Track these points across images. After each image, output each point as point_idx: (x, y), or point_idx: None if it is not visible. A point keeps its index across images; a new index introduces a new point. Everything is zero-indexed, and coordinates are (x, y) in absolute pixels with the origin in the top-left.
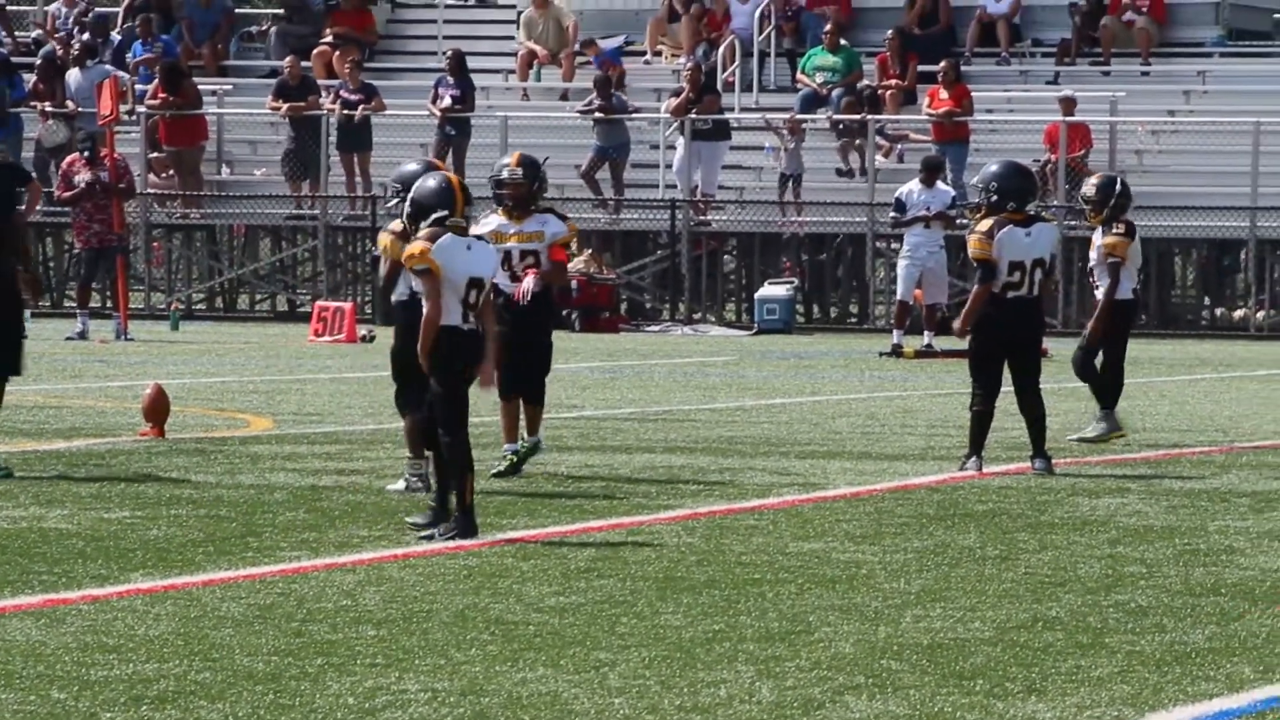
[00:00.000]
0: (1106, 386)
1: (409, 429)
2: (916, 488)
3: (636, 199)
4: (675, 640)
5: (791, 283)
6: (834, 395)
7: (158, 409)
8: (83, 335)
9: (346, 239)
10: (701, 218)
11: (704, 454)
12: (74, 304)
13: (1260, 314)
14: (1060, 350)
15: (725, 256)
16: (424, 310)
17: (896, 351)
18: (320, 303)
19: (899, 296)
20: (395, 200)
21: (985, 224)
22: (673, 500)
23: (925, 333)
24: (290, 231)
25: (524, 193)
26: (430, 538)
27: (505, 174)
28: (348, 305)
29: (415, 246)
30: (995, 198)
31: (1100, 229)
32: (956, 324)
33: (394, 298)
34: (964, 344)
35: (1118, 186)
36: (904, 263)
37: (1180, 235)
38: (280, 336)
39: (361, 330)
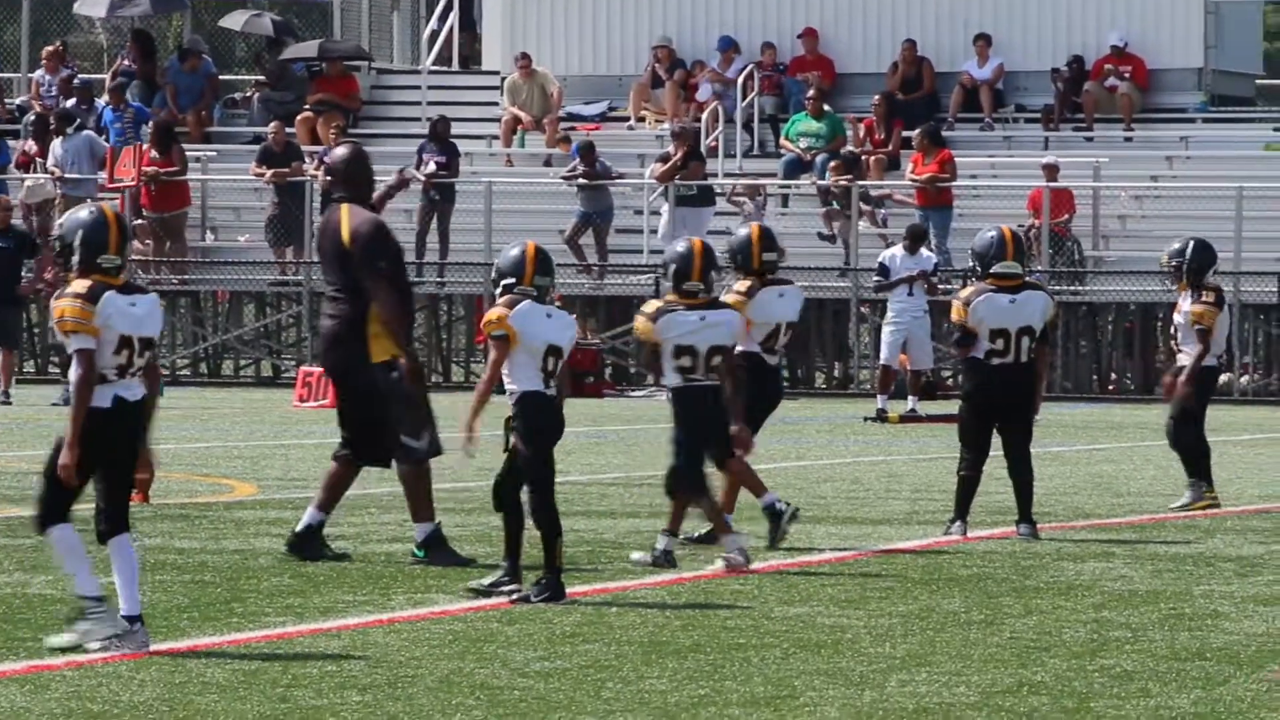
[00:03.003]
0: (1193, 456)
1: (677, 506)
2: (901, 552)
3: (621, 264)
4: (660, 705)
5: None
6: (819, 460)
7: (142, 474)
8: (67, 401)
9: None
10: None
11: (689, 519)
12: (58, 370)
13: (1244, 379)
14: (1052, 415)
15: None
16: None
17: (881, 417)
18: (305, 368)
19: (883, 361)
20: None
21: (966, 291)
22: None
23: (910, 398)
24: (274, 297)
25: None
26: (525, 599)
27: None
28: None
29: (493, 313)
30: (975, 264)
31: (1186, 295)
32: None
33: (673, 383)
34: (950, 409)
35: (1189, 249)
36: (889, 328)
37: (1163, 300)
38: (264, 402)
39: None
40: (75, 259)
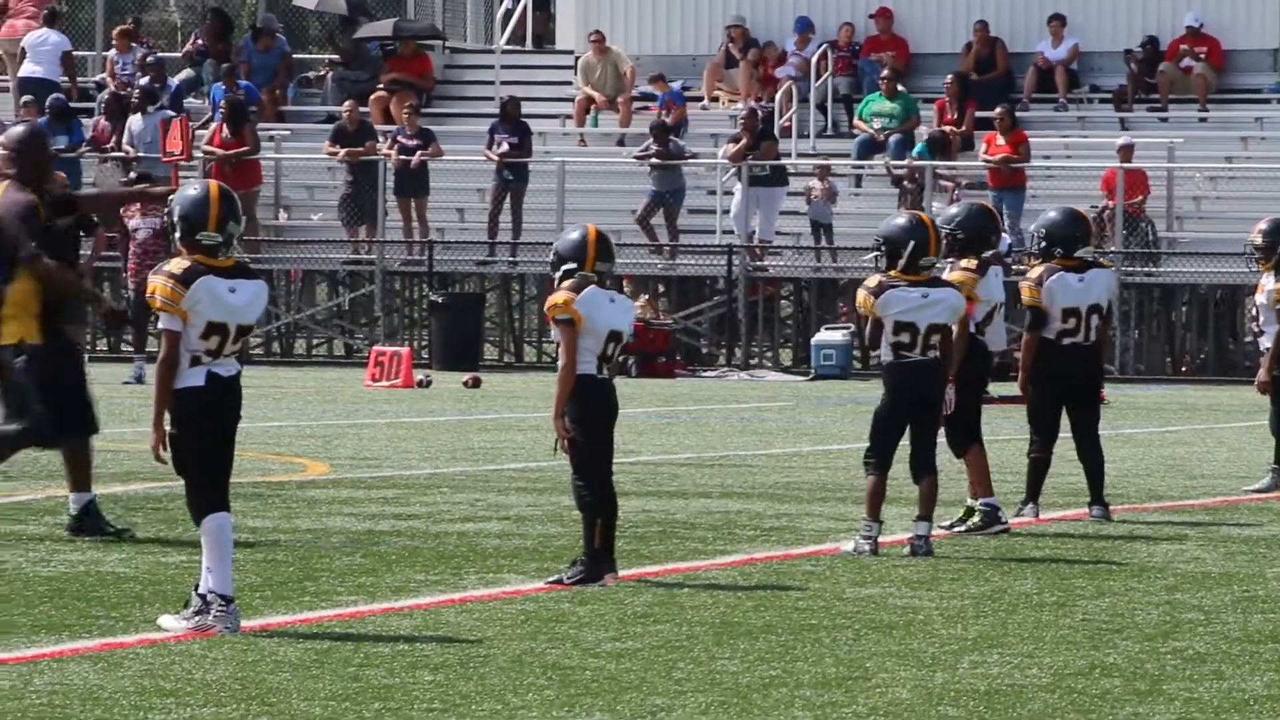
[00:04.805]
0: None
1: (872, 488)
2: (973, 533)
3: (693, 244)
4: (732, 686)
5: (848, 328)
6: None
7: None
8: (139, 379)
9: (404, 284)
10: (758, 263)
11: (760, 499)
12: (131, 348)
13: None
14: (1125, 397)
15: (782, 302)
16: (560, 361)
17: None
18: (377, 348)
19: None
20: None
21: (1036, 271)
22: (729, 545)
23: None
24: (347, 276)
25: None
26: (559, 580)
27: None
28: (405, 350)
29: (559, 297)
30: (1044, 244)
31: (1270, 275)
32: (1019, 382)
33: (885, 358)
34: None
35: None
36: None
37: (1239, 282)
38: (337, 381)
39: (418, 375)
40: (176, 235)
